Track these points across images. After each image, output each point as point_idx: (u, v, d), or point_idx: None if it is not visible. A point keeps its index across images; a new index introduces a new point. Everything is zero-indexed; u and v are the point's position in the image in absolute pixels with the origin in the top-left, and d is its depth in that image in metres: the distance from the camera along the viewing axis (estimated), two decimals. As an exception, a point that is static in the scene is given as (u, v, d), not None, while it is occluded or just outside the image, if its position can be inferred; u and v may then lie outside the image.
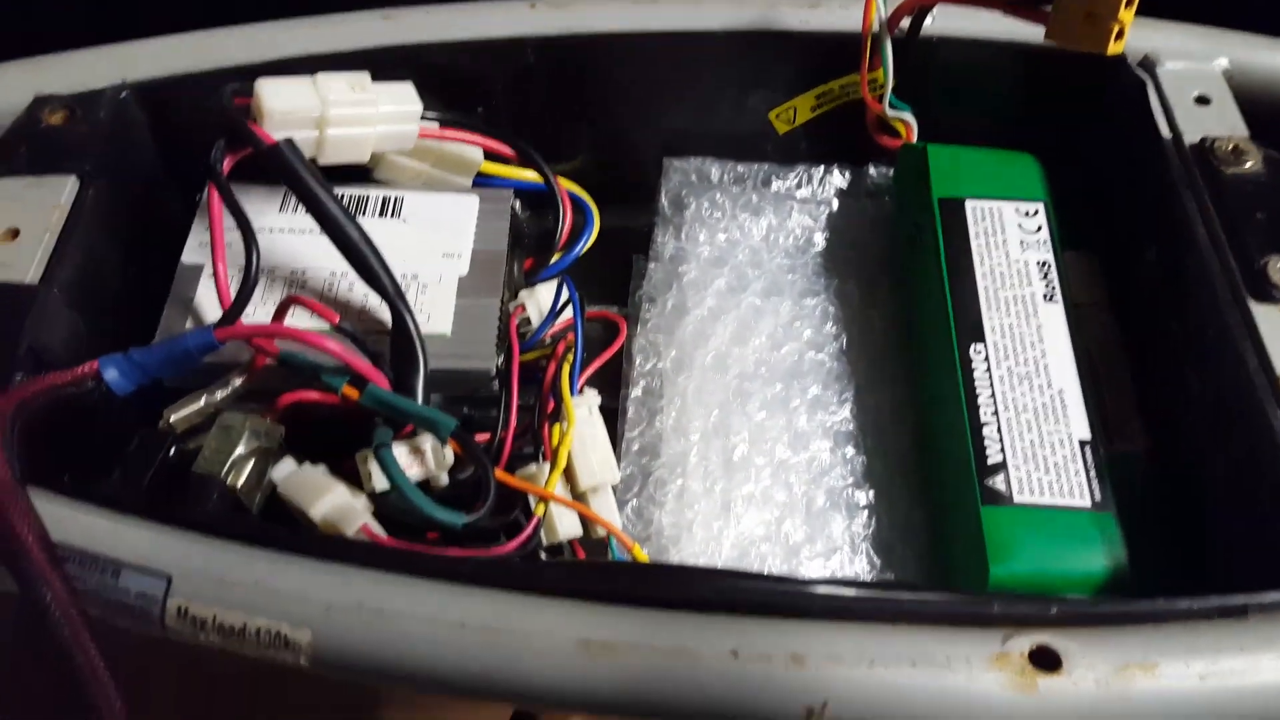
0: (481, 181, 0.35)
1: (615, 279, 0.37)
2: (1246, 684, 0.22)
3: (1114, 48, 0.29)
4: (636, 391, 0.34)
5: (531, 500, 0.28)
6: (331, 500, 0.26)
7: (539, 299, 0.34)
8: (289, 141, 0.29)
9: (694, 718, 0.22)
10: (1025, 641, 0.22)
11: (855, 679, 0.21)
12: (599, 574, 0.24)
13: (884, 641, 0.22)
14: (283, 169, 0.29)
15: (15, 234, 0.29)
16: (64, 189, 0.30)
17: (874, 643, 0.22)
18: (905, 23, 0.33)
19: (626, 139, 0.38)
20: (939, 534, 0.30)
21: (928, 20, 0.34)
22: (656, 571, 0.25)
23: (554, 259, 0.35)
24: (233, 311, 0.28)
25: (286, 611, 0.23)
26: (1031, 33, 0.31)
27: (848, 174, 0.38)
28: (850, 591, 0.23)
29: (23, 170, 0.30)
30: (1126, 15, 0.28)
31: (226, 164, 0.30)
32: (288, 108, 0.29)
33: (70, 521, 0.24)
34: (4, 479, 0.23)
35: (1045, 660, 0.22)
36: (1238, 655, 0.22)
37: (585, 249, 0.35)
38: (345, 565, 0.23)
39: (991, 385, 0.30)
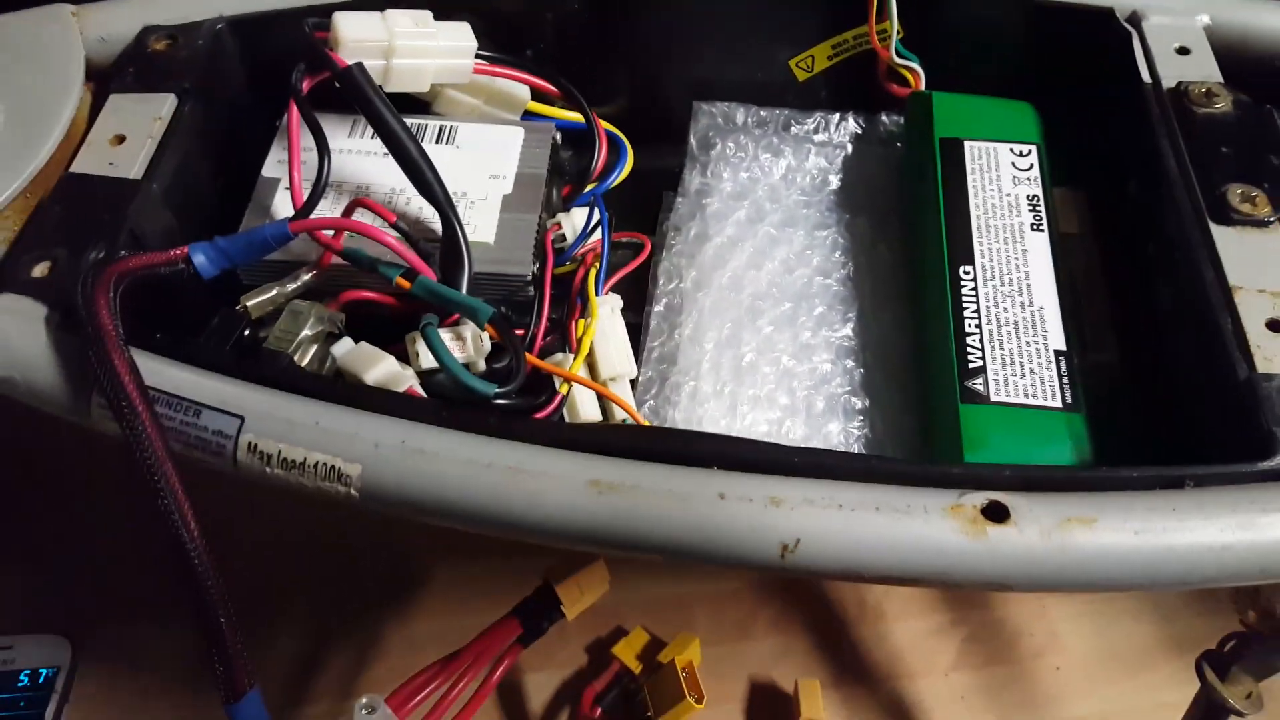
0: (527, 118, 0.39)
1: (646, 211, 0.41)
2: (1178, 542, 0.24)
3: (1104, -2, 0.32)
4: (659, 307, 0.37)
5: (557, 383, 0.32)
6: (384, 368, 0.30)
7: (574, 221, 0.38)
8: (360, 65, 0.33)
9: (684, 550, 0.25)
10: (979, 497, 0.25)
11: (826, 519, 0.25)
12: (608, 431, 0.28)
13: (853, 491, 0.25)
14: (354, 89, 0.33)
15: (122, 139, 0.33)
16: (164, 104, 0.34)
17: (845, 491, 0.25)
18: (914, -24, 0.36)
19: (660, 84, 0.41)
20: (925, 434, 0.33)
21: (935, -26, 0.37)
22: (657, 432, 0.29)
23: (588, 188, 0.39)
24: (305, 208, 0.32)
25: (341, 448, 0.26)
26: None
27: (862, 120, 0.41)
28: (827, 457, 0.26)
29: (130, 88, 0.35)
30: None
31: (305, 85, 0.34)
32: (360, 37, 0.33)
33: (160, 371, 0.28)
34: (108, 330, 0.27)
35: (995, 513, 0.25)
36: (1170, 516, 0.25)
37: (618, 181, 0.39)
38: (391, 415, 0.27)
39: (977, 300, 0.33)
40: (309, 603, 0.43)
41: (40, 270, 0.30)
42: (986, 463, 0.28)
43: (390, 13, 0.34)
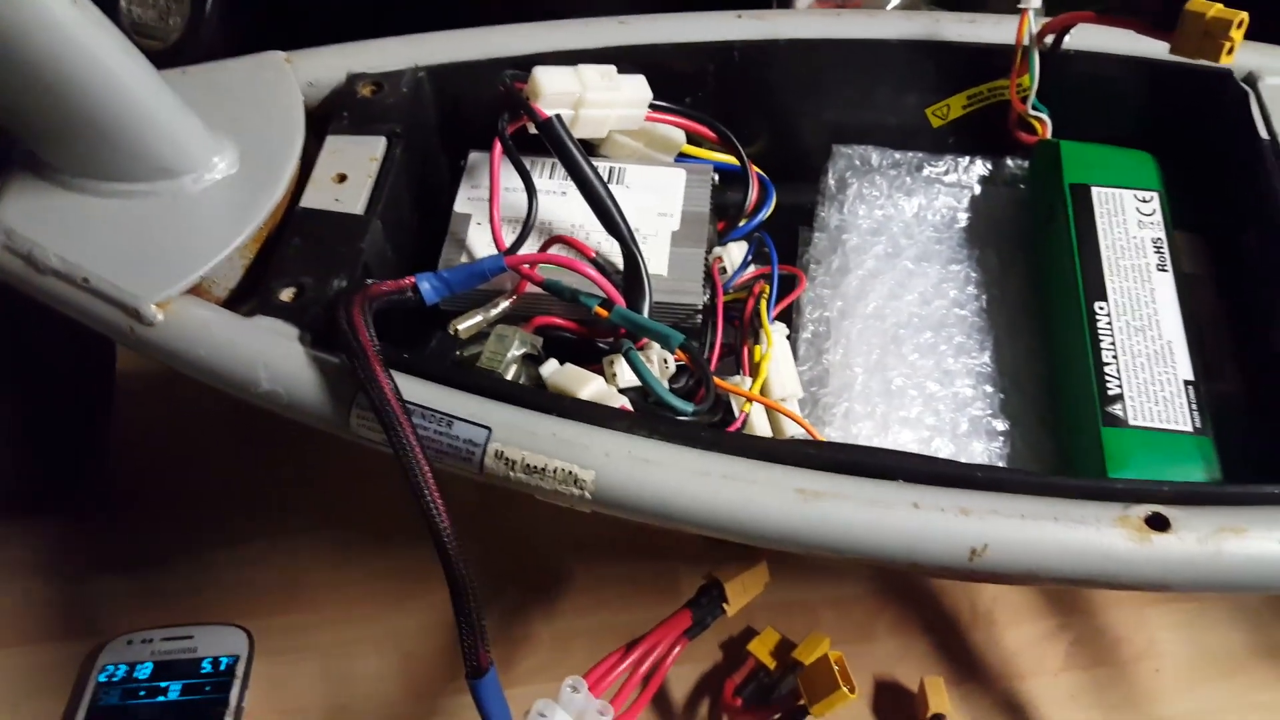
0: (681, 160, 0.43)
1: (781, 244, 0.45)
2: (1316, 551, 0.28)
3: (1225, 59, 0.35)
4: (806, 334, 0.41)
5: (734, 404, 0.36)
6: (595, 387, 0.33)
7: (731, 254, 0.41)
8: (558, 116, 0.37)
9: (882, 553, 0.29)
10: (1142, 509, 0.29)
11: (1010, 528, 0.28)
12: (808, 445, 0.32)
13: (1033, 504, 0.29)
14: (553, 137, 0.37)
15: (344, 178, 0.38)
16: (377, 146, 0.38)
17: (1025, 503, 0.29)
18: (1049, 38, 0.40)
19: (798, 127, 0.45)
20: (1064, 453, 0.37)
21: (1068, 36, 0.40)
22: (850, 448, 0.32)
23: (741, 223, 0.42)
24: (516, 244, 0.36)
25: (577, 456, 0.30)
26: (1155, 48, 0.37)
27: (989, 164, 0.45)
28: (1005, 474, 0.30)
29: (345, 130, 0.39)
30: (1237, 35, 0.35)
31: (509, 131, 0.38)
32: (557, 89, 0.38)
33: (413, 388, 0.32)
34: (371, 350, 0.31)
35: (1157, 523, 0.28)
36: (1310, 529, 0.28)
37: (766, 217, 0.43)
38: (616, 429, 0.31)
39: (1113, 334, 0.36)
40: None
41: (287, 295, 0.34)
42: (1144, 479, 0.31)
43: (582, 68, 0.38)
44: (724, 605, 0.39)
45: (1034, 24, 0.39)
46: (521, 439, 0.31)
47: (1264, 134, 0.38)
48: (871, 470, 0.30)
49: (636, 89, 0.40)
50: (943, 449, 0.37)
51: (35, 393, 0.44)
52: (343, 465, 0.49)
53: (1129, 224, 0.39)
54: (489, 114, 0.39)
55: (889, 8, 0.63)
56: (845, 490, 0.29)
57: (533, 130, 0.38)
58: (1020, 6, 0.39)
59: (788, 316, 0.42)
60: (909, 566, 0.29)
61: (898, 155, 0.45)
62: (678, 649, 0.38)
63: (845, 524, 0.29)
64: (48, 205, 0.35)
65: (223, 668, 0.44)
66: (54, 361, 0.45)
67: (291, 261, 0.35)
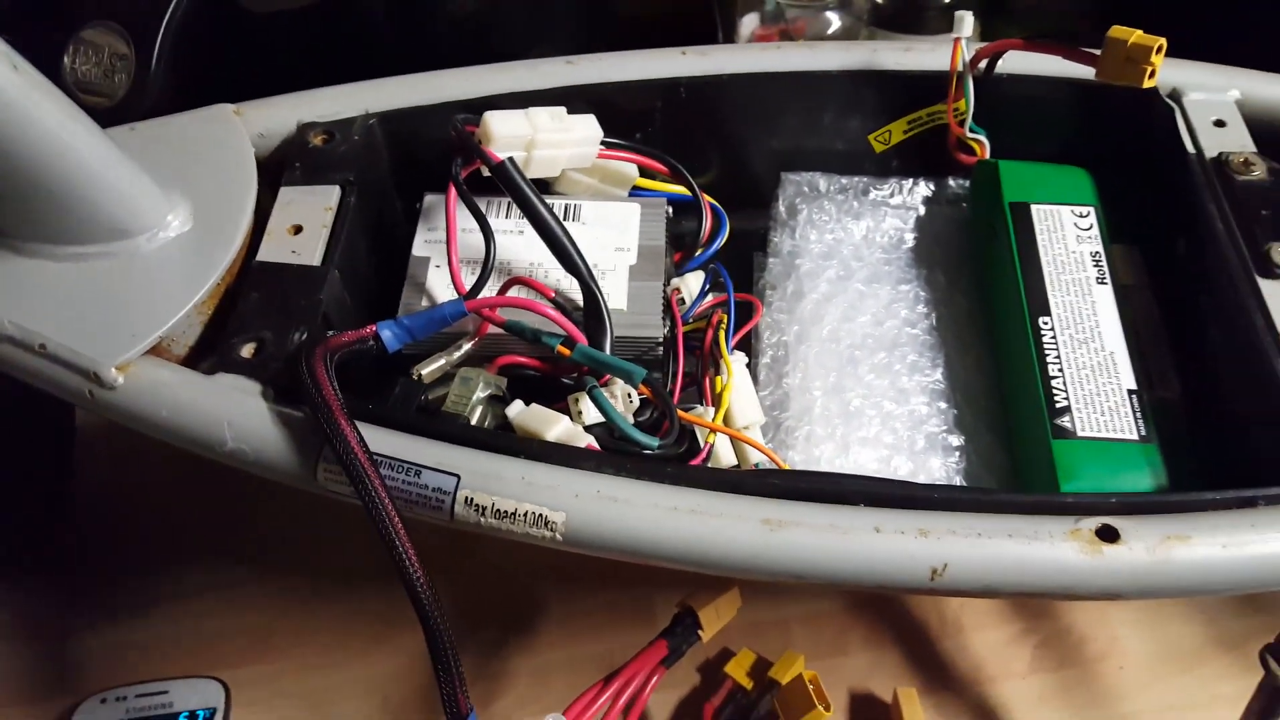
0: (635, 193, 0.44)
1: (737, 272, 0.46)
2: (1257, 552, 0.29)
3: (1148, 83, 0.37)
4: (765, 359, 0.42)
5: (698, 434, 0.37)
6: (562, 426, 0.34)
7: (689, 285, 0.42)
8: (511, 159, 0.38)
9: (846, 577, 0.30)
10: (1092, 522, 0.30)
11: (968, 546, 0.29)
12: (770, 475, 0.33)
13: (988, 521, 0.30)
14: (506, 180, 0.37)
15: (299, 229, 0.38)
16: (331, 195, 0.39)
17: (981, 522, 0.30)
18: (983, 64, 0.41)
19: (747, 156, 0.46)
20: (1017, 466, 0.38)
21: (1000, 61, 0.42)
22: (811, 475, 0.33)
23: (697, 253, 0.43)
24: (476, 287, 0.37)
25: (546, 498, 0.31)
26: (1083, 71, 0.39)
27: (932, 185, 0.46)
28: (960, 493, 0.31)
29: (298, 181, 0.39)
30: (1157, 60, 0.36)
31: (462, 175, 0.38)
32: (507, 133, 0.38)
33: (379, 438, 0.32)
34: (334, 403, 0.31)
35: (1108, 534, 0.30)
36: (1249, 531, 0.30)
37: (720, 246, 0.44)
38: (584, 469, 0.32)
39: (1057, 347, 0.37)
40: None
41: (247, 351, 0.34)
42: (1093, 491, 0.33)
43: (532, 110, 0.39)
44: (699, 632, 0.39)
45: (967, 51, 0.40)
46: (490, 484, 0.31)
47: (1190, 148, 0.40)
48: (833, 496, 0.31)
49: (587, 128, 0.40)
50: (902, 467, 0.38)
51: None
52: (306, 509, 0.49)
53: (1068, 239, 0.41)
54: (442, 156, 0.39)
55: (830, 30, 0.65)
56: (809, 518, 0.30)
57: (486, 173, 0.39)
58: (953, 35, 0.40)
59: (746, 342, 0.43)
60: (874, 588, 0.29)
61: (844, 180, 0.46)
62: (655, 678, 0.38)
63: (810, 552, 0.30)
64: (0, 271, 0.34)
65: (200, 721, 0.43)
66: (12, 421, 0.45)
67: (250, 316, 0.35)
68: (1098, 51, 0.37)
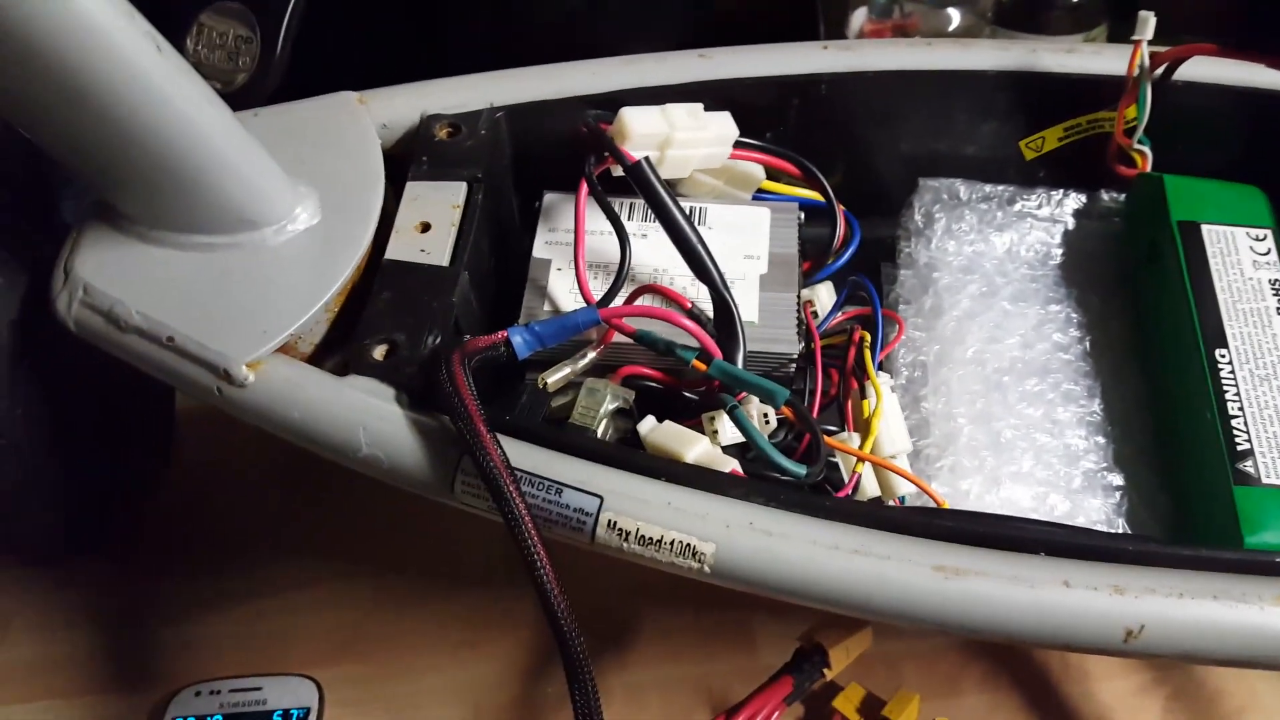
0: (760, 196, 0.41)
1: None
2: None
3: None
4: (901, 380, 0.39)
5: (840, 462, 0.34)
6: (702, 448, 0.32)
7: (821, 296, 0.40)
8: (647, 159, 0.36)
9: (1030, 635, 0.27)
10: (1304, 586, 0.27)
11: (1168, 607, 0.27)
12: (941, 515, 0.30)
13: (1190, 580, 0.27)
14: (642, 182, 0.35)
15: (427, 226, 0.36)
16: (458, 192, 0.37)
17: (1182, 580, 0.27)
18: (1160, 69, 0.38)
19: (879, 160, 0.44)
20: (1186, 511, 0.35)
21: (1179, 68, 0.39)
22: (992, 519, 0.31)
23: (828, 263, 0.41)
24: (610, 295, 0.35)
25: (695, 527, 0.29)
26: (1264, 81, 0.36)
27: (1083, 197, 0.43)
28: (1156, 545, 0.28)
29: (425, 176, 0.37)
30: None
31: (595, 174, 0.36)
32: (645, 131, 0.36)
33: (518, 452, 0.30)
34: (476, 414, 0.29)
35: (1322, 600, 0.27)
36: None
37: (851, 255, 0.41)
38: (733, 496, 0.30)
39: (1237, 384, 0.34)
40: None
41: (379, 353, 0.32)
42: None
43: (669, 107, 0.37)
44: (824, 670, 0.37)
45: (1145, 55, 0.37)
46: (635, 508, 0.29)
47: (1384, 169, 0.36)
48: (1012, 543, 0.28)
49: (723, 127, 0.38)
50: (1058, 506, 0.35)
51: (100, 432, 0.43)
52: (398, 507, 0.47)
53: (1244, 264, 0.37)
54: (561, 153, 0.38)
55: (950, 28, 0.61)
56: (987, 567, 0.28)
57: (617, 172, 0.37)
58: (1134, 38, 0.37)
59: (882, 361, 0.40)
60: (1059, 647, 0.27)
61: (987, 188, 0.43)
62: (776, 716, 0.36)
63: (991, 605, 0.27)
64: (125, 259, 0.33)
65: (294, 719, 0.42)
66: (114, 405, 0.44)
67: (382, 317, 0.33)
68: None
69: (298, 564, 0.47)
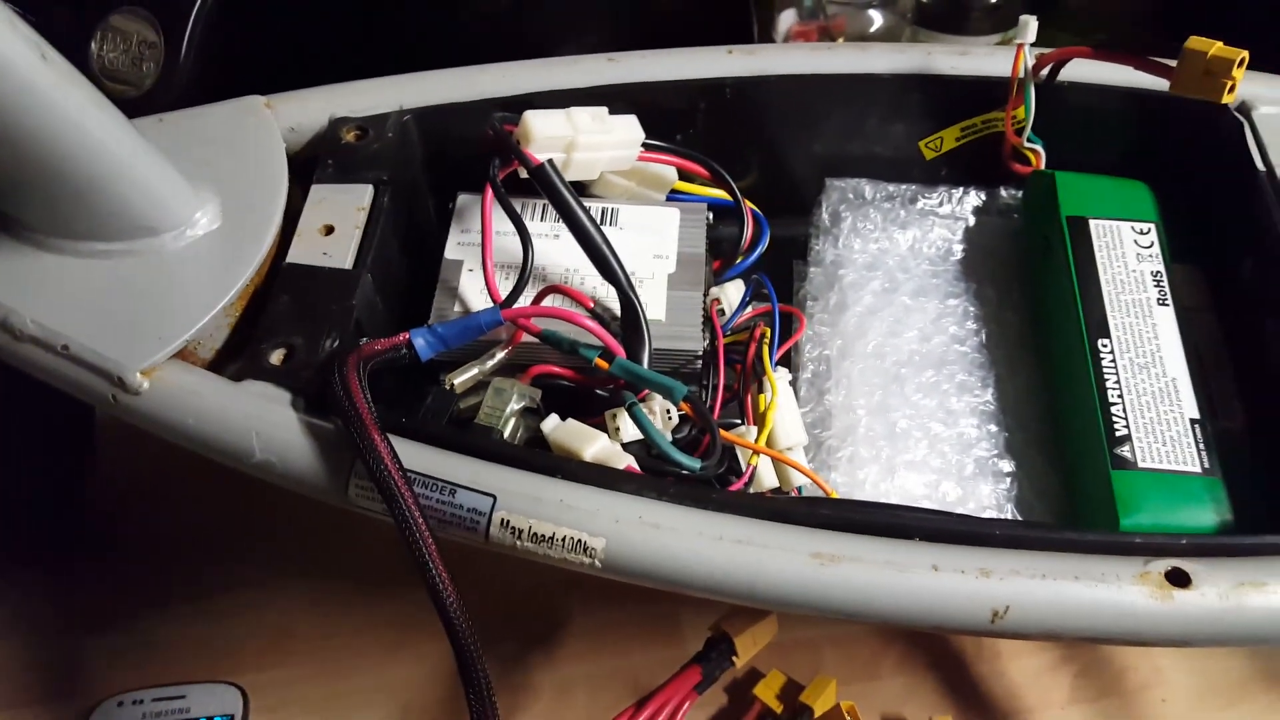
0: (673, 197, 0.42)
1: (774, 280, 0.44)
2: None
3: (1227, 98, 0.35)
4: (806, 374, 0.40)
5: (739, 455, 0.35)
6: (600, 445, 0.32)
7: (729, 294, 0.41)
8: (550, 161, 0.36)
9: (901, 617, 0.28)
10: (1162, 565, 0.28)
11: (1032, 588, 0.28)
12: (821, 505, 0.31)
13: (1053, 561, 0.28)
14: (546, 184, 0.36)
15: (330, 229, 0.36)
16: (364, 195, 0.37)
17: (1045, 562, 0.28)
18: (1045, 71, 0.39)
19: (789, 161, 0.45)
20: (1071, 495, 0.37)
21: (1063, 69, 0.40)
22: (869, 506, 0.32)
23: (737, 261, 0.42)
24: (513, 295, 0.35)
25: (585, 523, 0.29)
26: (1148, 81, 0.37)
27: (982, 195, 0.44)
28: (1024, 529, 0.30)
29: (330, 179, 0.38)
30: (1238, 73, 0.34)
31: (500, 176, 0.37)
32: (549, 134, 0.37)
33: (413, 453, 0.31)
34: (368, 416, 0.30)
35: (1178, 579, 0.28)
36: (1330, 579, 0.28)
37: (760, 254, 0.42)
38: (624, 491, 0.30)
39: (1117, 373, 0.36)
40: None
41: (277, 357, 0.33)
42: (1164, 531, 0.31)
43: (574, 111, 0.37)
44: (733, 658, 0.38)
45: (1029, 57, 0.39)
46: (528, 506, 0.30)
47: (1260, 164, 0.38)
48: (887, 529, 0.29)
49: (629, 130, 0.39)
50: (950, 493, 0.37)
51: (14, 442, 0.43)
52: (325, 512, 0.47)
53: (1128, 257, 0.39)
54: (476, 155, 0.38)
55: (872, 29, 0.63)
56: (861, 552, 0.29)
57: (524, 175, 0.37)
58: (1015, 41, 0.38)
59: (786, 356, 0.41)
60: (931, 629, 0.28)
61: (891, 188, 0.44)
62: (687, 705, 0.37)
63: (864, 590, 0.28)
64: (21, 267, 0.33)
65: (217, 728, 0.42)
66: (30, 417, 0.43)
67: (280, 321, 0.34)
68: (1170, 62, 0.36)
69: (224, 569, 0.47)
